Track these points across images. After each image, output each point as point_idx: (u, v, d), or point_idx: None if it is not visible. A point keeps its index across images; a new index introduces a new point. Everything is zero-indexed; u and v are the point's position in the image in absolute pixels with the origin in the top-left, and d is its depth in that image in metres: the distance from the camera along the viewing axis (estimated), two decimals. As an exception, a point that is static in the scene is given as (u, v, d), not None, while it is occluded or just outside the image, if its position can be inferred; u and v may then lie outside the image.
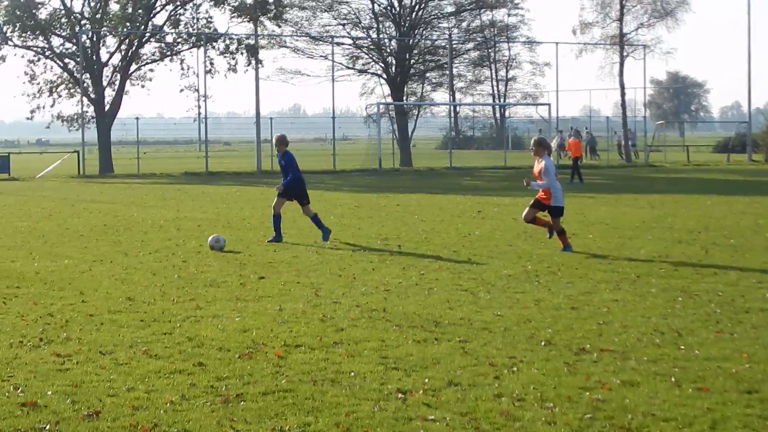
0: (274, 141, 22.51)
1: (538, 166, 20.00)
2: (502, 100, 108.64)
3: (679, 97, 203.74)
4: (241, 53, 61.43)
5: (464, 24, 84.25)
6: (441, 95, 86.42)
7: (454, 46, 77.32)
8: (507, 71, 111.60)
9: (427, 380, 9.75)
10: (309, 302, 14.17)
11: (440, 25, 78.99)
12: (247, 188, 42.99)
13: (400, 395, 9.23)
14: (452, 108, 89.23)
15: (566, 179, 44.05)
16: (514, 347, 11.23)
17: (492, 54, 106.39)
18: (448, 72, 75.46)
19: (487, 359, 10.62)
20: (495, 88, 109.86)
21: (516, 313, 13.23)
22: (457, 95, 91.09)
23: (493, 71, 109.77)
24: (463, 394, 9.25)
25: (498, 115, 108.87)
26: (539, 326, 12.38)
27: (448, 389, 9.44)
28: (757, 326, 12.28)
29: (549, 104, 69.96)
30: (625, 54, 75.38)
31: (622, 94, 75.30)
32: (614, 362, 10.48)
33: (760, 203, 32.15)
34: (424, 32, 76.19)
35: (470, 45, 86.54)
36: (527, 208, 20.47)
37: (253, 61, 61.03)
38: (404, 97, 73.99)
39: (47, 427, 8.32)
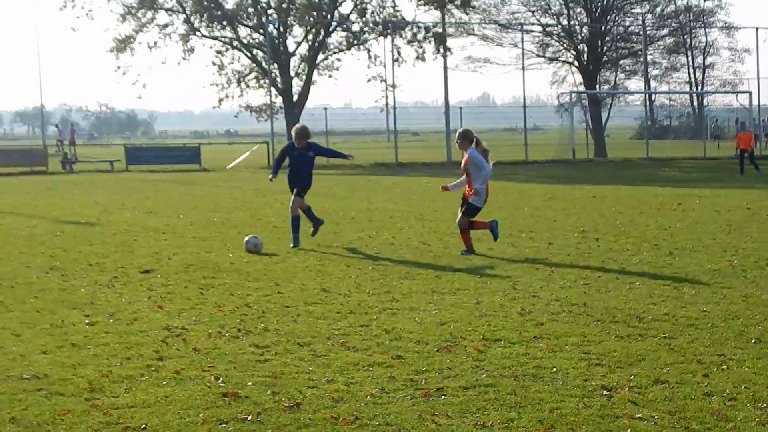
0: (294, 134, 20.33)
1: (463, 160, 18.54)
2: (699, 88, 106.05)
3: None
4: (429, 41, 61.33)
5: (658, 9, 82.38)
6: (635, 83, 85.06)
7: (648, 32, 75.75)
8: (704, 58, 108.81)
9: (632, 377, 9.42)
10: (506, 295, 13.94)
11: (633, 10, 77.33)
12: (438, 179, 42.85)
13: (604, 392, 8.93)
14: (647, 96, 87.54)
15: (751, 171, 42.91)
16: (723, 345, 10.78)
17: (688, 40, 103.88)
18: (642, 59, 74.07)
19: (695, 356, 10.22)
20: (692, 75, 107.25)
21: (723, 309, 12.74)
22: (652, 83, 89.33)
23: (690, 58, 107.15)
24: (671, 393, 8.90)
25: (695, 103, 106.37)
26: (748, 323, 11.89)
27: (655, 387, 9.10)
28: None
29: (750, 92, 67.99)
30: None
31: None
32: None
33: None
34: (617, 18, 74.88)
35: (665, 31, 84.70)
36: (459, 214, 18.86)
37: (441, 50, 60.88)
38: (597, 86, 72.92)
39: (249, 418, 8.30)
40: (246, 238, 19.22)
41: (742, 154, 44.56)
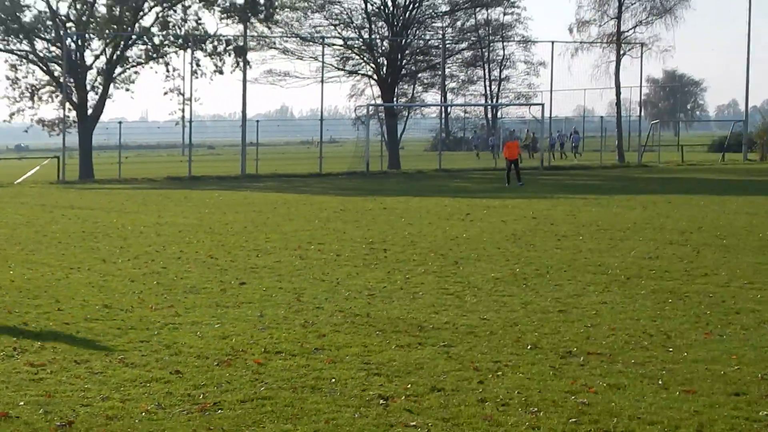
0: None
1: None
2: (494, 100, 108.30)
3: (675, 95, 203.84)
4: (229, 54, 60.96)
5: (458, 23, 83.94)
6: (432, 96, 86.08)
7: (448, 45, 77.01)
8: (501, 71, 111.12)
9: (409, 386, 9.53)
10: (291, 308, 13.93)
11: (434, 24, 78.42)
12: (231, 193, 42.62)
13: (381, 401, 9.01)
14: (443, 109, 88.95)
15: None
16: (500, 351, 11.01)
17: (486, 53, 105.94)
18: (440, 72, 75.18)
19: (472, 364, 10.40)
20: (488, 88, 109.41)
21: (502, 317, 13.01)
22: (449, 96, 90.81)
23: (487, 71, 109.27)
24: (446, 400, 9.04)
25: (490, 115, 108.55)
26: (526, 330, 12.17)
27: (431, 395, 9.23)
28: (747, 327, 12.08)
29: (542, 104, 69.67)
30: (621, 52, 75.17)
31: (618, 94, 75.00)
32: (601, 365, 10.27)
33: (754, 203, 31.97)
34: (417, 32, 75.86)
35: (464, 45, 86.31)
36: None
37: (241, 63, 60.61)
38: (394, 99, 73.70)
39: (17, 439, 8.09)
40: None
41: (509, 165, 45.26)
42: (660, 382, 9.51)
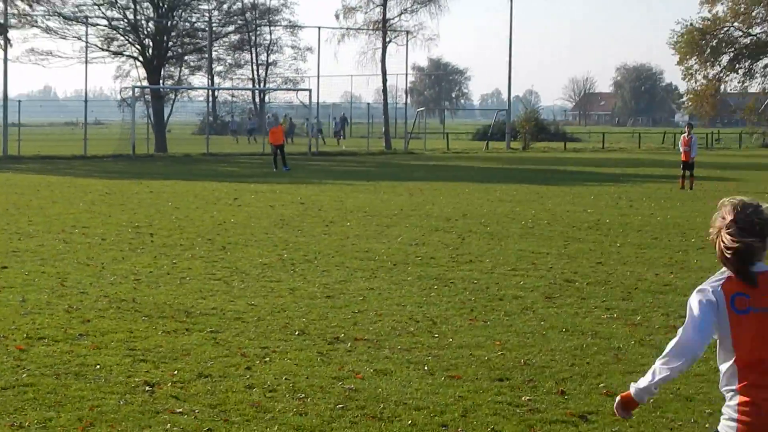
0: None
1: None
2: (262, 84, 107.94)
3: (440, 84, 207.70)
4: (-8, 33, 58.91)
5: (225, 6, 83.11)
6: (199, 79, 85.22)
7: (215, 28, 76.33)
8: (268, 55, 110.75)
9: (176, 372, 9.42)
10: (54, 293, 13.57)
11: (200, 6, 77.58)
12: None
13: (147, 388, 8.88)
14: (210, 92, 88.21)
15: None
16: (268, 337, 10.99)
17: (253, 37, 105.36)
18: (207, 55, 74.47)
19: (239, 350, 10.34)
20: (255, 72, 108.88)
21: (270, 303, 12.99)
22: (216, 79, 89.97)
23: (254, 55, 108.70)
24: (213, 386, 8.97)
25: (258, 100, 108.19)
26: (293, 315, 12.18)
27: (198, 381, 9.14)
28: (511, 313, 12.37)
29: (310, 90, 69.97)
30: (387, 40, 76.04)
31: (384, 81, 75.89)
32: (368, 351, 10.36)
33: (517, 191, 32.82)
34: (183, 14, 74.93)
35: (231, 28, 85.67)
36: None
37: (1, 41, 58.66)
38: (161, 81, 72.67)
39: None
40: None
41: (275, 150, 45.54)
42: (426, 368, 9.65)
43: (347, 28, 78.65)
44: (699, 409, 8.34)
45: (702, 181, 34.20)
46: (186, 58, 76.92)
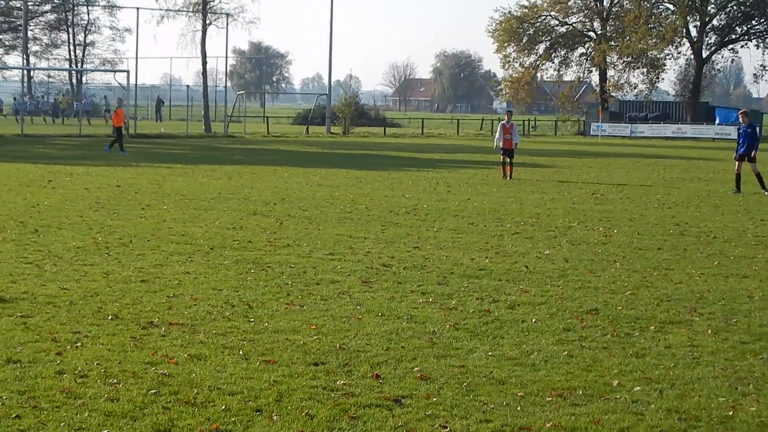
0: None
1: None
2: (79, 65, 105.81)
3: (261, 67, 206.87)
4: None
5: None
6: (14, 59, 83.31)
7: (30, 7, 74.54)
8: (86, 36, 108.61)
9: (-17, 359, 9.15)
10: None
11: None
12: None
13: (-49, 376, 8.61)
14: (25, 72, 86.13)
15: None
16: (80, 322, 10.77)
17: (70, 17, 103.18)
18: (22, 34, 72.64)
19: (50, 335, 10.12)
20: (72, 53, 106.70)
21: (83, 287, 12.73)
22: (32, 59, 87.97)
23: (71, 35, 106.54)
24: (23, 372, 8.75)
25: (75, 81, 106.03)
26: (107, 300, 11.97)
27: (6, 367, 8.91)
28: (327, 298, 12.39)
29: (128, 71, 68.84)
30: (207, 22, 75.30)
31: (204, 63, 75.16)
32: (183, 336, 10.24)
33: (336, 175, 32.92)
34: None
35: (47, 7, 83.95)
36: None
37: None
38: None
39: None
40: None
41: (119, 131, 45.23)
42: (241, 353, 9.59)
43: (167, 9, 77.55)
44: (511, 392, 8.48)
45: (519, 167, 34.78)
46: (0, 37, 74.96)
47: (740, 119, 30.67)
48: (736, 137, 30.57)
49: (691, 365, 9.37)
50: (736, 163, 29.95)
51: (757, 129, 31.38)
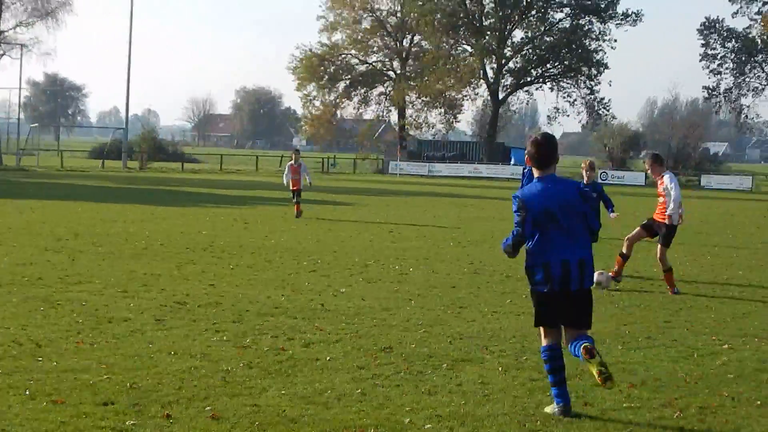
0: None
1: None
2: None
3: (56, 99, 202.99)
4: None
5: None
6: None
7: None
8: None
9: None
10: None
11: None
12: None
13: None
14: None
15: None
16: None
17: None
18: None
19: None
20: None
21: None
22: None
23: None
24: None
25: None
26: None
27: None
28: (119, 336, 12.15)
29: None
30: (1, 52, 73.60)
31: (-4, 94, 73.52)
32: (-35, 377, 9.89)
33: (132, 211, 32.47)
34: None
35: None
36: None
37: None
38: None
39: None
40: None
41: None
42: (27, 393, 9.31)
43: (-42, 37, 75.57)
44: (304, 431, 8.45)
45: (316, 204, 34.86)
46: None
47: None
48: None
49: (481, 402, 9.50)
50: None
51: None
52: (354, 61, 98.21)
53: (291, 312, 14.25)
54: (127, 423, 8.49)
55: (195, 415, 8.82)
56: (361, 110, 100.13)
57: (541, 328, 9.41)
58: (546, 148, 9.39)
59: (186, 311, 14.08)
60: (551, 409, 9.13)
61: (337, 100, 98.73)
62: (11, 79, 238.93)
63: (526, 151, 9.59)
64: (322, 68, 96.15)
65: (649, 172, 18.50)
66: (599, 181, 18.60)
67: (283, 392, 9.67)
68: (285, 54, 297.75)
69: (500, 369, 10.97)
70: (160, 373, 10.33)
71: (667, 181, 17.84)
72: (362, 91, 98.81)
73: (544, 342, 9.36)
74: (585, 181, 20.48)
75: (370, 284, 17.46)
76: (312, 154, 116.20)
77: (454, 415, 9.02)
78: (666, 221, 17.81)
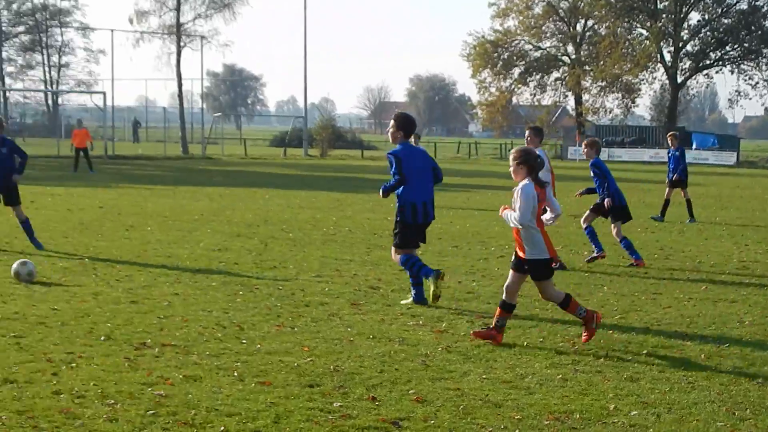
0: None
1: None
2: (54, 86, 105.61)
3: (236, 89, 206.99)
4: None
5: (14, 6, 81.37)
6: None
7: (4, 28, 74.50)
8: (60, 57, 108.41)
9: (-22, 379, 9.13)
10: None
11: (-11, 6, 75.78)
12: None
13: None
14: (2, 93, 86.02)
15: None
16: (73, 342, 10.75)
17: (44, 38, 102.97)
18: (-1, 56, 72.60)
19: (44, 355, 10.10)
20: (47, 74, 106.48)
21: (73, 307, 12.71)
22: (7, 80, 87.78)
23: (46, 57, 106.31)
24: (20, 392, 8.73)
25: (51, 102, 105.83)
26: (98, 320, 11.95)
27: (4, 387, 8.88)
28: (317, 320, 12.40)
29: (104, 92, 68.93)
30: (182, 44, 75.38)
31: (180, 85, 75.22)
32: (176, 357, 10.23)
33: (317, 198, 32.95)
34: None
35: (21, 28, 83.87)
36: None
37: None
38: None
39: None
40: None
41: (77, 152, 45.43)
42: (235, 374, 9.58)
43: (141, 32, 77.62)
44: (508, 415, 8.50)
45: (500, 191, 34.75)
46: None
47: (669, 142, 29.13)
48: (671, 162, 28.82)
49: (686, 389, 9.39)
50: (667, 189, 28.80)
51: (685, 152, 29.29)
52: (527, 47, 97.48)
53: (484, 297, 14.31)
54: (334, 405, 8.66)
55: (399, 397, 8.95)
56: (536, 96, 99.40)
57: None
58: None
59: (380, 296, 14.28)
60: None
61: (512, 86, 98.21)
62: (192, 71, 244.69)
63: None
64: (496, 54, 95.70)
65: None
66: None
67: (484, 377, 9.74)
68: (457, 41, 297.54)
69: (702, 356, 10.84)
70: (362, 356, 10.50)
71: None
72: (537, 77, 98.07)
73: None
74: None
75: (561, 270, 17.37)
76: (488, 141, 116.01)
77: (659, 402, 8.95)
78: None
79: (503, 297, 11.52)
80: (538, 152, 16.73)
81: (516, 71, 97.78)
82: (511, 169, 11.33)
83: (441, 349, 10.93)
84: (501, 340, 11.24)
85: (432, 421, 8.27)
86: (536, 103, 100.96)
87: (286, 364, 10.04)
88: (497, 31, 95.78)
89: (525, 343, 11.30)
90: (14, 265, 14.87)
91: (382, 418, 8.30)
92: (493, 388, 9.33)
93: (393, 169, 13.71)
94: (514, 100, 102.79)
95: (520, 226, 11.05)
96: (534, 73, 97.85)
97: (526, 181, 11.15)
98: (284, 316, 12.63)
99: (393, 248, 14.07)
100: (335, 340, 11.26)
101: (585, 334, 11.35)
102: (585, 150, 19.55)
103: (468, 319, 12.66)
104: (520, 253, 11.32)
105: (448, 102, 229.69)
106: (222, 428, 7.94)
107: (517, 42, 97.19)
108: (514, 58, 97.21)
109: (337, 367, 9.99)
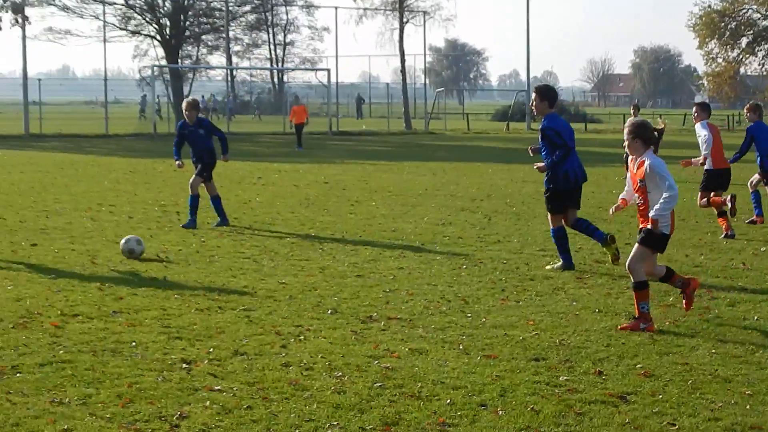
0: (184, 106, 18.83)
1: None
2: (280, 64, 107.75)
3: (458, 64, 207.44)
4: (6, 11, 58.81)
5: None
6: (217, 59, 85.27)
7: (231, 8, 76.31)
8: (285, 35, 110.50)
9: (211, 350, 9.42)
10: (85, 270, 13.61)
11: (216, -14, 77.68)
12: (15, 152, 41.39)
13: (184, 365, 8.89)
14: (228, 72, 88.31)
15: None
16: (300, 316, 10.98)
17: (270, 17, 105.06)
18: (224, 35, 74.41)
19: (273, 328, 10.34)
20: (273, 52, 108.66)
21: (301, 281, 12.98)
22: (234, 59, 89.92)
23: (271, 35, 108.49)
24: (250, 364, 8.96)
25: (276, 79, 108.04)
26: (325, 294, 12.17)
27: (234, 359, 9.14)
28: (542, 294, 12.34)
29: (328, 69, 69.96)
30: (404, 20, 75.91)
31: (402, 61, 75.78)
32: (402, 330, 10.34)
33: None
34: (199, -7, 75.04)
35: (247, 8, 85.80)
36: None
37: (20, 19, 58.55)
38: (179, 60, 72.71)
39: None
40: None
41: (298, 129, 45.99)
42: (461, 348, 9.62)
43: (364, 9, 78.49)
44: (739, 390, 8.28)
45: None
46: (203, 37, 77.00)
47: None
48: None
49: None
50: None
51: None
52: (756, 15, 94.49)
53: (712, 271, 13.98)
54: (560, 378, 8.61)
55: (626, 372, 8.83)
56: (766, 66, 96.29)
57: None
58: None
59: (605, 269, 14.10)
60: None
61: (740, 56, 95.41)
62: (415, 46, 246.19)
63: None
64: (723, 24, 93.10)
65: None
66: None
67: (713, 351, 9.51)
68: (683, 11, 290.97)
69: None
70: (587, 330, 10.40)
71: None
72: (766, 46, 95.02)
73: None
74: None
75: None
76: (716, 113, 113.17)
77: None
78: None
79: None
80: (700, 126, 16.75)
81: (744, 41, 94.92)
82: (626, 143, 10.91)
83: (668, 323, 10.73)
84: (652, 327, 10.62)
85: (660, 396, 8.13)
86: (765, 73, 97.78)
87: (511, 338, 10.03)
88: (724, 0, 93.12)
89: (755, 318, 10.99)
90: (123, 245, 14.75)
91: (609, 393, 8.21)
92: (723, 362, 9.10)
93: (558, 141, 14.46)
94: (741, 70, 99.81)
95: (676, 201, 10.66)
96: (763, 43, 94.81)
97: (649, 154, 10.77)
98: (509, 289, 12.61)
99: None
100: (560, 314, 11.18)
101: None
102: (747, 114, 19.09)
103: (696, 293, 12.36)
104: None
105: (674, 73, 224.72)
106: (449, 401, 7.98)
107: (744, 11, 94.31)
108: (742, 27, 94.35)
109: (563, 341, 9.93)
